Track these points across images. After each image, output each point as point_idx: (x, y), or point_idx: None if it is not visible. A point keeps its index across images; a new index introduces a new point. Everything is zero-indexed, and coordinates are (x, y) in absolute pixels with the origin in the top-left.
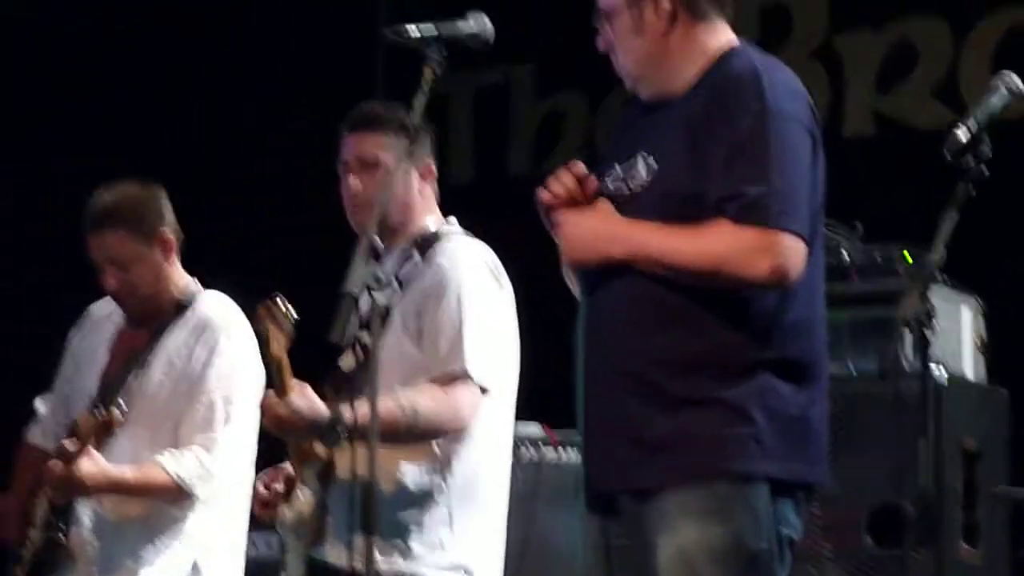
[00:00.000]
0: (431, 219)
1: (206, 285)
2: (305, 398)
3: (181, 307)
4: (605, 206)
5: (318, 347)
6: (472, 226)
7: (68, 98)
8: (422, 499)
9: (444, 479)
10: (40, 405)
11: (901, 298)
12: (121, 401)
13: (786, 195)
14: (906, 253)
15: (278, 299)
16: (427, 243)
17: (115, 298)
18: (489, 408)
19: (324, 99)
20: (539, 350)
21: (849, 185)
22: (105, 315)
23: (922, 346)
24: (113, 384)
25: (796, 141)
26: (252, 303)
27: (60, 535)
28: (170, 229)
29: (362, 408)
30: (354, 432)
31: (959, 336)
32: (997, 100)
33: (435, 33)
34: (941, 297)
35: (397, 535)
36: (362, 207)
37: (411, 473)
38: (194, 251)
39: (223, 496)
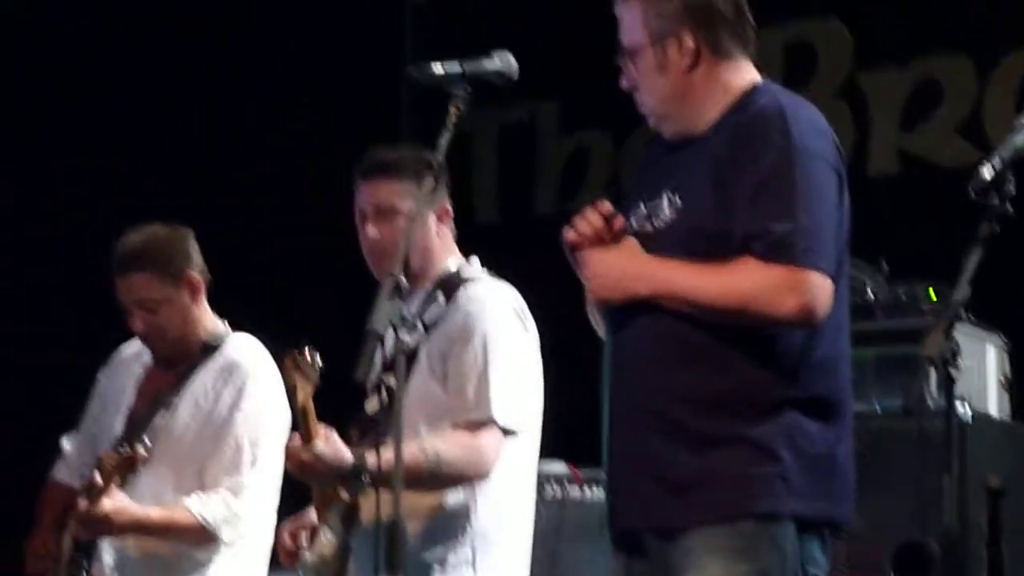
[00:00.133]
0: (452, 260)
1: (230, 321)
2: (330, 445)
3: (209, 349)
4: (631, 244)
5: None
6: (498, 265)
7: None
8: (446, 538)
9: (468, 518)
10: (66, 443)
11: (926, 336)
12: (146, 439)
13: (812, 232)
14: (931, 291)
15: (305, 349)
16: (451, 284)
17: (143, 340)
18: (513, 447)
19: (349, 141)
20: (564, 388)
21: (874, 223)
22: (133, 355)
23: (947, 384)
24: (139, 423)
25: (822, 179)
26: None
27: (84, 572)
28: (197, 271)
29: (386, 454)
30: (378, 479)
31: (984, 374)
32: (1022, 138)
33: (460, 71)
34: (966, 335)
35: (422, 574)
36: (382, 255)
37: (435, 512)
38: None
39: (247, 539)
